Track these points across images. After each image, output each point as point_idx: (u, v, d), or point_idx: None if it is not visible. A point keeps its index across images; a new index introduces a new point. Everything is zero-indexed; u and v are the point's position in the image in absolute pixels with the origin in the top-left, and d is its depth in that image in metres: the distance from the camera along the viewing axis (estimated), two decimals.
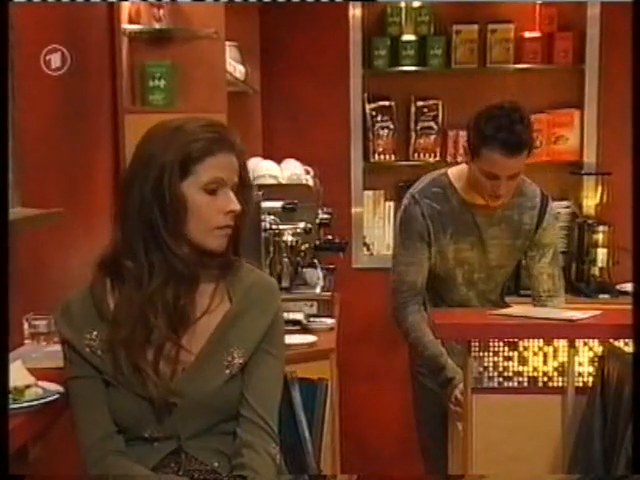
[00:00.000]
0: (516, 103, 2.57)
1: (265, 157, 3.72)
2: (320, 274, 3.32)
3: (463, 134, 4.22)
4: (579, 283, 4.02)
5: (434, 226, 2.67)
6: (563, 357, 2.50)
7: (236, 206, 1.65)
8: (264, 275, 1.84)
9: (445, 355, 2.66)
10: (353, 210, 4.31)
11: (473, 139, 2.54)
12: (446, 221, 2.67)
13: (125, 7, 3.11)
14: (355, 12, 4.22)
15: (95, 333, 1.65)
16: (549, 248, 2.74)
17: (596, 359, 2.44)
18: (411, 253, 2.68)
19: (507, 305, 2.80)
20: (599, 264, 4.01)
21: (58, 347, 1.82)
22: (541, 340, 2.50)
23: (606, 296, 3.87)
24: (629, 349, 2.40)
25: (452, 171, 2.73)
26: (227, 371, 1.66)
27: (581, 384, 2.49)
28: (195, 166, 1.63)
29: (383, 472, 4.13)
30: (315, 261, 3.35)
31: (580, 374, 2.50)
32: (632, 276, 2.52)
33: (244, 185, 1.72)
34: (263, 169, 3.50)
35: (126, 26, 3.11)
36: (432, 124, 4.29)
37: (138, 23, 3.14)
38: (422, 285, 2.72)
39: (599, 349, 2.47)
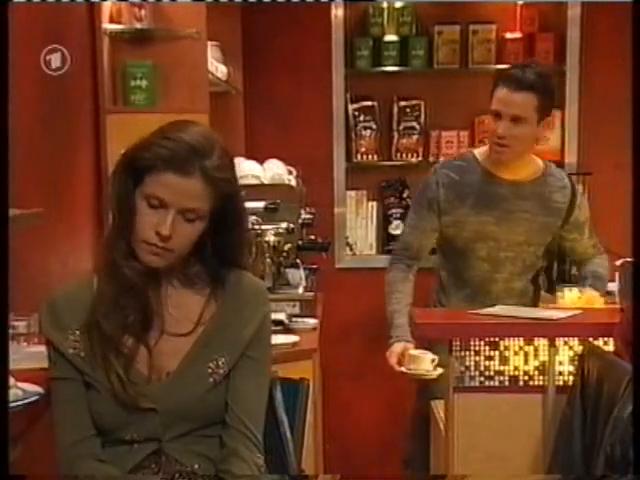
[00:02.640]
0: (543, 65, 2.77)
1: (248, 157, 3.71)
2: (303, 274, 3.32)
3: (445, 134, 4.31)
4: (560, 283, 4.04)
5: (448, 195, 2.70)
6: (544, 356, 2.51)
7: (164, 230, 1.57)
8: (254, 279, 1.78)
9: (401, 315, 2.68)
10: (336, 210, 4.31)
11: (492, 86, 2.66)
12: (465, 191, 2.70)
13: (106, 7, 3.10)
14: (337, 12, 4.22)
15: (78, 333, 1.64)
16: (586, 224, 2.84)
17: (576, 358, 2.46)
18: (417, 218, 2.77)
19: (537, 296, 2.86)
20: None
21: (38, 348, 1.81)
22: (522, 339, 2.52)
23: None
24: (608, 348, 2.42)
25: (477, 149, 2.83)
26: (210, 379, 1.65)
27: (561, 383, 2.50)
28: (142, 175, 1.59)
29: (365, 472, 4.13)
30: (298, 261, 3.35)
31: (561, 373, 2.51)
32: (632, 274, 2.52)
33: (225, 216, 1.64)
34: (245, 169, 3.49)
35: (107, 26, 3.10)
36: (414, 124, 4.30)
37: (119, 23, 3.14)
38: (418, 251, 2.77)
39: (579, 348, 2.49)
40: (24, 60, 2.38)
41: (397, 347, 2.57)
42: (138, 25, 3.11)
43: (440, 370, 2.51)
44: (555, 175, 2.80)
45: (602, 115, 4.13)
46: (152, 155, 1.58)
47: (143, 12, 3.09)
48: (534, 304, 2.79)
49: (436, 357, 2.51)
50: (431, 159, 4.28)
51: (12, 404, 1.64)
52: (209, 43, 3.32)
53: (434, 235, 2.76)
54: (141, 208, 1.60)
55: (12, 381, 1.70)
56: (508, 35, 4.24)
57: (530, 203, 2.73)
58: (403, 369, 2.52)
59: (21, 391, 1.70)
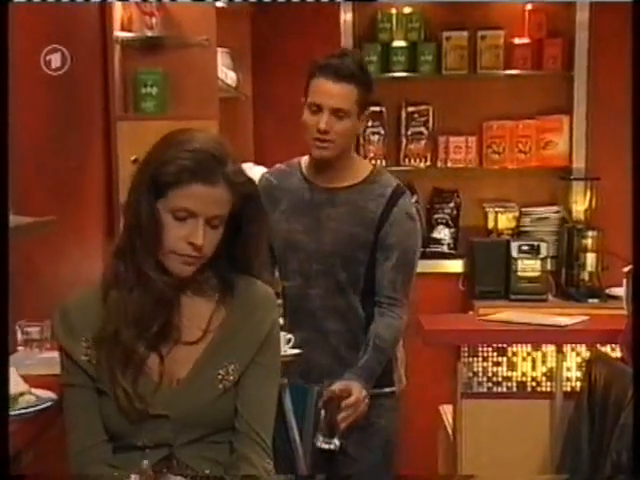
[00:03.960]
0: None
1: (257, 163, 3.72)
2: None
3: (453, 139, 4.32)
4: (569, 287, 4.05)
5: (263, 199, 2.25)
6: (551, 362, 2.53)
7: (197, 240, 1.59)
8: (262, 286, 1.78)
9: None
10: None
11: (307, 77, 2.41)
12: (279, 195, 2.49)
13: (117, 14, 3.13)
14: (346, 18, 4.24)
15: (91, 340, 1.66)
16: (395, 250, 2.36)
17: (584, 364, 2.47)
18: None
19: (368, 322, 2.36)
20: (588, 269, 4.04)
21: (51, 354, 1.83)
22: (530, 346, 2.53)
23: (595, 300, 3.90)
24: (615, 354, 2.43)
25: (305, 157, 2.56)
26: (220, 386, 1.66)
27: (569, 389, 2.52)
28: (166, 189, 1.60)
29: None
30: None
31: (568, 379, 2.53)
32: (632, 280, 2.53)
33: (247, 218, 1.67)
34: (255, 175, 3.51)
35: (118, 33, 3.13)
36: (422, 129, 4.32)
37: (130, 31, 3.16)
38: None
39: (587, 354, 2.50)
40: (27, 62, 2.39)
41: None
42: (149, 33, 3.14)
43: (297, 350, 2.27)
44: (379, 182, 2.43)
45: (610, 120, 4.13)
46: (176, 169, 1.58)
47: (154, 20, 3.12)
48: (365, 329, 2.36)
49: (291, 336, 2.28)
50: (439, 164, 4.29)
51: (25, 410, 1.67)
52: (219, 50, 3.35)
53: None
54: (167, 222, 1.61)
55: (26, 387, 1.72)
56: (516, 41, 4.25)
57: (340, 210, 2.40)
58: None
59: (34, 397, 1.72)
